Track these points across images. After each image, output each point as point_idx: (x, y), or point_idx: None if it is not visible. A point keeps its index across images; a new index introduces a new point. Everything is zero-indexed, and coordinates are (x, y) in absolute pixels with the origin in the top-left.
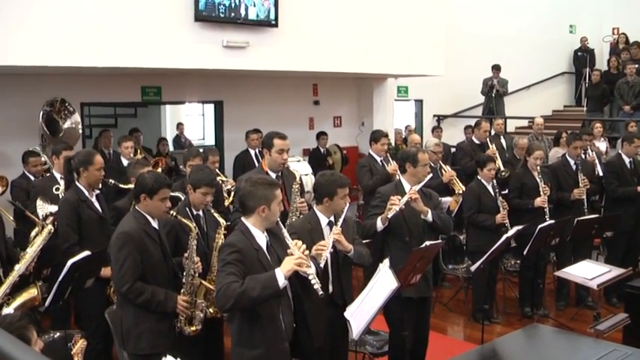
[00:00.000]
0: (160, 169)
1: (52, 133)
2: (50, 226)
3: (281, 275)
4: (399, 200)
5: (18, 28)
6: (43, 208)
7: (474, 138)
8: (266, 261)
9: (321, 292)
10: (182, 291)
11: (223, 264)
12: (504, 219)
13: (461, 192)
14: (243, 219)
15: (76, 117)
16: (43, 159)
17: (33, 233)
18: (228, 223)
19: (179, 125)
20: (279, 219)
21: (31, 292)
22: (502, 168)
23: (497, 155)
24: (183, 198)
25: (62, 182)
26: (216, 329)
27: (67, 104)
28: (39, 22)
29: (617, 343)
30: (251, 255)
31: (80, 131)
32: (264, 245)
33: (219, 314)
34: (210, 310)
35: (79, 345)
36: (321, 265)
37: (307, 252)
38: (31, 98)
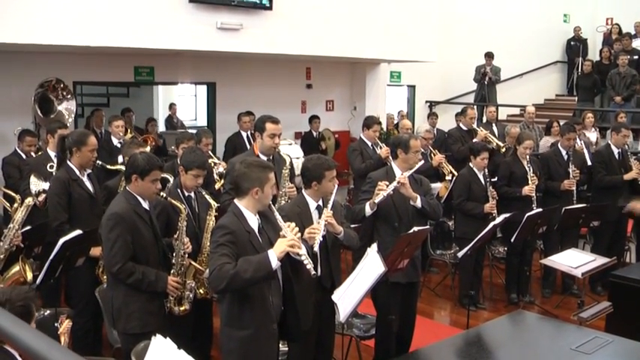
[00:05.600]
0: (148, 147)
1: (45, 113)
2: (30, 199)
3: (274, 257)
4: (387, 186)
5: (10, 7)
6: (37, 184)
7: (461, 124)
8: (258, 243)
9: (313, 272)
10: (172, 271)
11: (216, 245)
12: (493, 209)
13: (450, 177)
14: (235, 201)
15: (72, 104)
16: (39, 142)
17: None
18: (219, 205)
19: (172, 106)
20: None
21: (14, 269)
22: (501, 144)
23: (490, 134)
24: (171, 179)
25: (56, 160)
26: (206, 309)
27: (62, 85)
28: (32, 1)
29: (600, 330)
30: (243, 237)
31: (71, 120)
32: (255, 227)
33: (209, 295)
34: (200, 290)
35: (65, 325)
36: (315, 248)
37: (299, 234)
38: (24, 77)
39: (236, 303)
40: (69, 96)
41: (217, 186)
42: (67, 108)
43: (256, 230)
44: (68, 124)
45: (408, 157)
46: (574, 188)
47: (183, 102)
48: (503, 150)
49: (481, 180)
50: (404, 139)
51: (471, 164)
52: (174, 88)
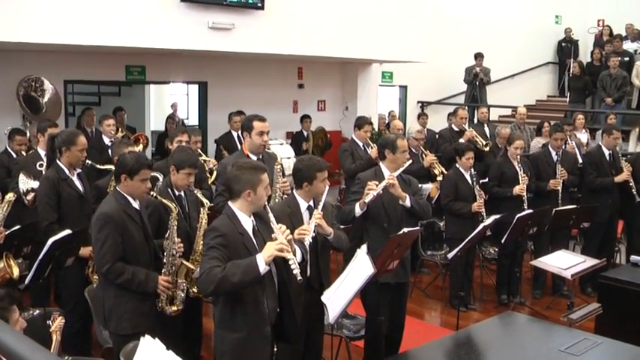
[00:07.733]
0: (140, 146)
1: (35, 112)
2: (10, 194)
3: (262, 261)
4: (377, 185)
5: (1, 4)
6: (26, 183)
7: (452, 125)
8: (251, 245)
9: (299, 278)
10: (163, 271)
11: (207, 248)
12: (480, 208)
13: (441, 177)
14: (229, 203)
15: (51, 90)
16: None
17: None
18: (211, 204)
19: (173, 105)
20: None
21: None
22: (484, 142)
23: (476, 134)
24: (160, 178)
25: (46, 159)
26: (195, 309)
27: (34, 78)
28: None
29: (589, 332)
30: (235, 239)
31: (62, 101)
32: (249, 229)
33: (201, 294)
34: (194, 289)
35: (57, 323)
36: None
37: (291, 237)
38: (13, 75)
39: (228, 306)
40: (44, 85)
41: (210, 181)
42: (50, 95)
43: (250, 232)
44: (61, 104)
45: (396, 157)
46: (559, 188)
47: (176, 101)
48: (487, 149)
49: (468, 180)
50: (391, 139)
51: (457, 165)
52: (166, 88)
